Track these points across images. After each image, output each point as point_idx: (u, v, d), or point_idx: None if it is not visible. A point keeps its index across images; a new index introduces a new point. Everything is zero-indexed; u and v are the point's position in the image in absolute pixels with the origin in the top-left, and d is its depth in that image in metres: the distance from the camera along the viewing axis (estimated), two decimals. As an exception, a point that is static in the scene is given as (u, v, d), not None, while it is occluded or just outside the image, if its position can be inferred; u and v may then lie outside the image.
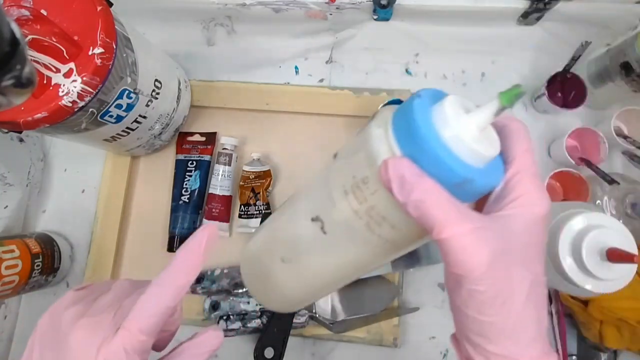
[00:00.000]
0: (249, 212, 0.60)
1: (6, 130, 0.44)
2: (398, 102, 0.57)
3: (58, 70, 0.40)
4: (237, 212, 0.61)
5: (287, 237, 0.28)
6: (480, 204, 0.23)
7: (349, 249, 0.25)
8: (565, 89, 0.60)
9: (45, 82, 0.40)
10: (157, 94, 0.52)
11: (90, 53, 0.40)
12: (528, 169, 0.22)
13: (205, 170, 0.62)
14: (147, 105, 0.51)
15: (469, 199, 0.21)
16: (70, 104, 0.40)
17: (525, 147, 0.22)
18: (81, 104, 0.41)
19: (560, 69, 0.57)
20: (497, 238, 0.20)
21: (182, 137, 0.63)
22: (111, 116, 0.46)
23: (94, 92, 0.41)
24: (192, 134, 0.63)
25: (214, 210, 0.60)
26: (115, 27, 0.42)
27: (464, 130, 0.20)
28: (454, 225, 0.19)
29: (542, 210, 0.21)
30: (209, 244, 0.25)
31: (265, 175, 0.60)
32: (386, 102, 0.57)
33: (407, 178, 0.19)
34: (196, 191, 0.60)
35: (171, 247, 0.59)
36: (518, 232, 0.21)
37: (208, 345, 0.27)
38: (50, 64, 0.40)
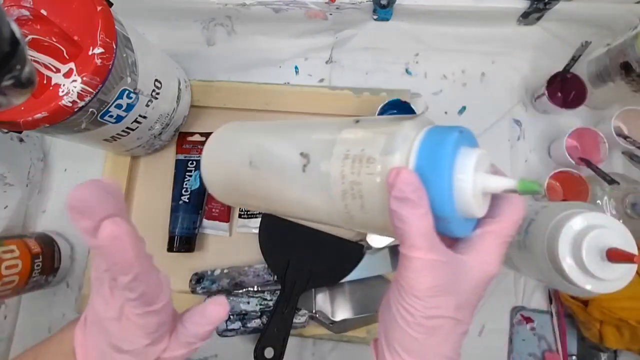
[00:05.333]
0: (249, 212, 0.60)
1: (6, 130, 0.44)
2: (398, 102, 0.57)
3: (58, 70, 0.40)
4: (237, 212, 0.61)
5: (269, 151, 0.29)
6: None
7: (312, 196, 0.26)
8: (565, 89, 0.60)
9: (45, 82, 0.40)
10: (157, 94, 0.52)
11: (90, 53, 0.40)
12: (506, 235, 0.24)
13: (205, 170, 0.62)
14: (147, 105, 0.51)
15: (441, 233, 0.23)
16: (70, 104, 0.40)
17: (516, 218, 0.24)
18: (81, 104, 0.41)
19: (560, 69, 0.57)
20: (449, 276, 0.23)
21: (182, 137, 0.63)
22: (111, 116, 0.46)
23: (94, 92, 0.41)
24: (192, 134, 0.63)
25: (214, 210, 0.60)
26: (115, 27, 0.42)
27: (473, 185, 0.21)
28: (421, 250, 0.22)
29: (493, 272, 0.24)
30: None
31: (265, 175, 0.60)
32: (386, 102, 0.57)
33: (409, 195, 0.21)
34: (196, 191, 0.60)
35: (171, 248, 0.59)
36: (467, 279, 0.23)
37: (213, 316, 0.26)
38: (50, 64, 0.40)
